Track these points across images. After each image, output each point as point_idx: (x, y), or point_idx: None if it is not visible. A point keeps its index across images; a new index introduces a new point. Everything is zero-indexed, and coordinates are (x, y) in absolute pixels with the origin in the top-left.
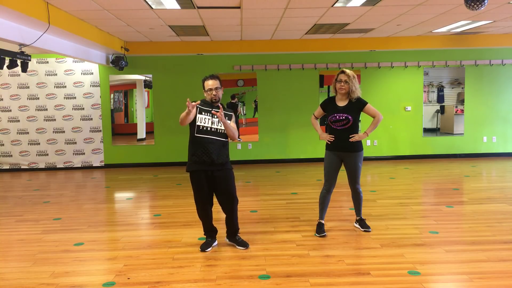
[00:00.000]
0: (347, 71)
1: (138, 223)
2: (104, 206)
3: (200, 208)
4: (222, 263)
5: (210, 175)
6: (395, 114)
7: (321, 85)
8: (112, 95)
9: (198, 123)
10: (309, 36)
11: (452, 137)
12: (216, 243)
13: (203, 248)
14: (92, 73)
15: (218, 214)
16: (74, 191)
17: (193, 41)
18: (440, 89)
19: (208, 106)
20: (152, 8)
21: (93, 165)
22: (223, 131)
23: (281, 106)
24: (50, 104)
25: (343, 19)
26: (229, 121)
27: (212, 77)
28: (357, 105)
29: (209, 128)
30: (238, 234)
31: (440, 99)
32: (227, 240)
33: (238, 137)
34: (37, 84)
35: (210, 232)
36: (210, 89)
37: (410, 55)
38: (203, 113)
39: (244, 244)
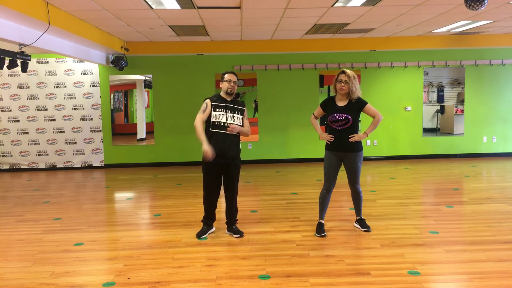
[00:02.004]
0: (348, 71)
1: (138, 223)
2: (104, 206)
3: (206, 194)
4: (222, 263)
5: (220, 166)
6: (395, 114)
7: (321, 85)
8: (112, 95)
9: (213, 120)
10: (309, 36)
11: (452, 137)
12: (213, 229)
13: (199, 235)
14: (92, 73)
15: (218, 214)
16: (74, 191)
17: (193, 41)
18: (440, 89)
19: (222, 101)
20: (152, 8)
21: (93, 165)
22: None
23: (281, 106)
24: (50, 104)
25: (343, 19)
26: (243, 126)
27: (233, 72)
28: (357, 105)
29: (222, 123)
30: (236, 225)
31: (440, 99)
32: (227, 231)
33: None
34: (37, 84)
35: (209, 220)
36: (229, 80)
37: (410, 55)
38: (217, 109)
39: (239, 233)
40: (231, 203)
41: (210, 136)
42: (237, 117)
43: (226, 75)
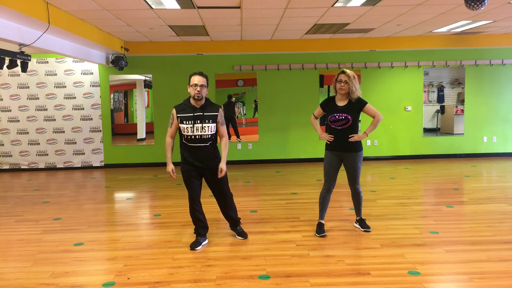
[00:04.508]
0: (348, 71)
1: (138, 223)
2: (104, 206)
3: (192, 205)
4: (222, 263)
5: (202, 173)
6: (395, 114)
7: (321, 85)
8: (112, 95)
9: (182, 133)
10: (309, 36)
11: (452, 137)
12: (206, 241)
13: (193, 246)
14: (92, 73)
15: (218, 214)
16: (74, 191)
17: (193, 41)
18: (440, 89)
19: (190, 110)
20: (152, 8)
21: (93, 165)
22: (208, 136)
23: (281, 106)
24: (50, 104)
25: (343, 19)
26: (219, 133)
27: (201, 74)
28: (357, 105)
29: (193, 136)
30: (240, 225)
31: (440, 99)
32: (229, 228)
33: (238, 138)
34: (37, 84)
35: (201, 229)
36: (196, 85)
37: (410, 55)
38: (185, 121)
39: (243, 235)
40: (225, 208)
41: (183, 149)
42: (208, 126)
43: (191, 78)
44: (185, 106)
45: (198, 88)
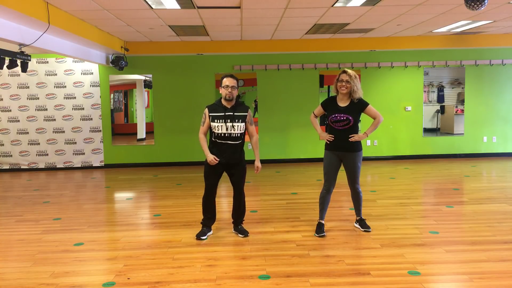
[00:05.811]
0: (349, 71)
1: (138, 223)
2: (104, 206)
3: (207, 196)
4: (222, 263)
5: (224, 169)
6: (395, 114)
7: (321, 85)
8: (112, 95)
9: (213, 130)
10: (309, 36)
11: (452, 137)
12: (211, 232)
13: (199, 235)
14: (92, 73)
15: (218, 214)
16: (74, 191)
17: (193, 41)
18: (440, 89)
19: (221, 110)
20: (152, 8)
21: (93, 165)
22: (237, 134)
23: (281, 106)
24: (50, 104)
25: (343, 19)
26: (249, 132)
27: (232, 76)
28: (358, 106)
29: (223, 134)
30: (242, 225)
31: (440, 99)
32: (233, 230)
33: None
34: (37, 84)
35: (208, 220)
36: (227, 86)
37: (410, 55)
38: (216, 120)
39: (244, 232)
40: (238, 203)
41: (212, 146)
42: (238, 125)
43: (223, 80)
44: (216, 106)
45: (230, 89)
